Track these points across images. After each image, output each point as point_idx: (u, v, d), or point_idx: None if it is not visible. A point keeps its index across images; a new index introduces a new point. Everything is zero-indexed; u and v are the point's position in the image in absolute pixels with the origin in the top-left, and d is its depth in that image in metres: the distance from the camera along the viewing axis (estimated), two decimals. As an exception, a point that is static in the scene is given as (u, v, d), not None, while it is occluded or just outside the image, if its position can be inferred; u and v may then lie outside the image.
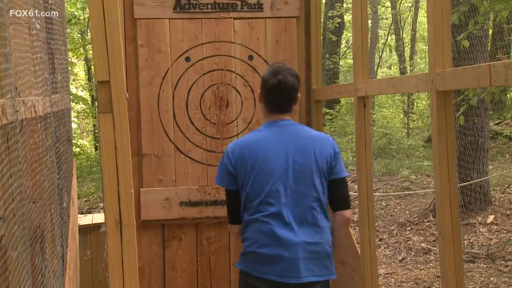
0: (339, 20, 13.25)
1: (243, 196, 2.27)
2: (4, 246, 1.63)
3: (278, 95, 2.29)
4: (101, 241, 4.35)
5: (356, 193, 3.01)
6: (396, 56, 19.90)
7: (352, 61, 3.50)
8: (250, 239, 2.24)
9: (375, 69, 16.73)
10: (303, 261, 2.18)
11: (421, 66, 18.55)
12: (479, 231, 6.13)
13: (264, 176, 2.21)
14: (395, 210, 7.57)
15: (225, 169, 2.29)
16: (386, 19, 20.54)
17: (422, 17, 17.96)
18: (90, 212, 7.74)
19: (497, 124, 11.51)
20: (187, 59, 3.09)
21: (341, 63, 15.59)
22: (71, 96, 7.18)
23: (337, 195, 2.31)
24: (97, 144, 14.61)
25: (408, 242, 6.16)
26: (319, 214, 2.24)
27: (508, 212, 6.59)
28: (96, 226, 4.38)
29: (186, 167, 3.09)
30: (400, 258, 5.71)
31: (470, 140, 6.44)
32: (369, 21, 14.77)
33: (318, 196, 2.24)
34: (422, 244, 6.03)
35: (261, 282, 2.19)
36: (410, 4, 18.34)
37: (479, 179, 6.38)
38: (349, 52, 16.24)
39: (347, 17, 15.22)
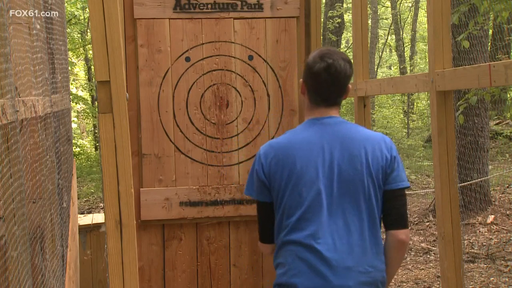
0: (339, 20, 13.25)
1: (278, 212, 1.88)
2: (4, 246, 1.63)
3: (326, 82, 1.88)
4: (101, 241, 4.35)
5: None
6: (396, 56, 19.90)
7: (352, 61, 3.50)
8: (284, 265, 1.85)
9: (375, 69, 16.73)
10: None
11: (421, 66, 18.55)
12: (479, 231, 6.13)
13: (304, 188, 1.81)
14: (395, 210, 7.54)
15: (256, 177, 1.92)
16: (386, 19, 20.54)
17: (422, 17, 17.95)
18: (90, 212, 7.74)
19: (497, 124, 11.51)
20: (187, 59, 3.09)
21: (341, 63, 15.54)
22: (71, 96, 7.18)
23: (392, 210, 1.86)
24: (97, 144, 14.61)
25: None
26: (370, 235, 1.82)
27: (508, 212, 6.59)
28: (96, 226, 4.38)
29: (186, 167, 3.09)
30: (400, 258, 5.69)
31: (470, 140, 6.44)
32: (369, 21, 14.76)
33: (369, 212, 1.83)
34: (422, 244, 6.04)
35: None
36: (410, 4, 18.34)
37: (479, 179, 6.38)
38: (349, 52, 16.24)
39: (347, 17, 15.22)
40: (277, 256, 1.91)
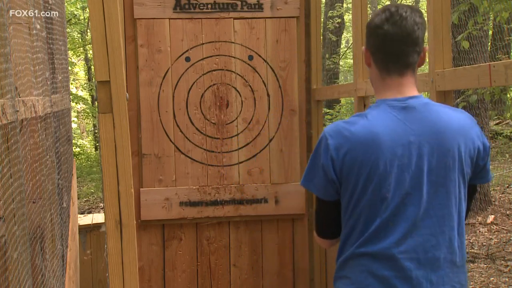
0: (339, 20, 13.25)
1: (351, 216, 1.54)
2: (4, 246, 1.63)
3: (391, 35, 1.49)
4: (101, 241, 4.35)
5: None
6: (396, 56, 19.86)
7: (352, 61, 3.50)
8: (353, 282, 1.53)
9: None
10: None
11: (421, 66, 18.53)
12: (479, 231, 6.14)
13: (387, 192, 1.47)
14: (395, 210, 7.55)
15: (322, 172, 1.54)
16: (386, 19, 20.47)
17: (422, 17, 17.93)
18: (90, 212, 7.74)
19: (497, 124, 11.51)
20: (187, 59, 3.09)
21: (341, 63, 15.59)
22: (71, 96, 7.18)
23: (467, 206, 1.60)
24: (97, 144, 14.62)
25: (408, 242, 6.15)
26: (460, 245, 1.53)
27: (508, 212, 6.60)
28: (96, 226, 4.38)
29: (186, 167, 3.09)
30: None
31: (470, 140, 6.43)
32: (369, 21, 14.71)
33: (459, 219, 1.52)
34: (422, 244, 6.02)
35: None
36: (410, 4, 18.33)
37: (479, 179, 6.38)
38: (349, 52, 16.24)
39: (347, 17, 15.22)
40: (343, 266, 1.57)
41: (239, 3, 3.11)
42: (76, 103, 13.57)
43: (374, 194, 1.48)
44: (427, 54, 1.59)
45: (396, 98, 1.53)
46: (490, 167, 1.69)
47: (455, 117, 1.55)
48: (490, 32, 8.39)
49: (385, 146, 1.47)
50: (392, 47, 1.52)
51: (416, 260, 1.47)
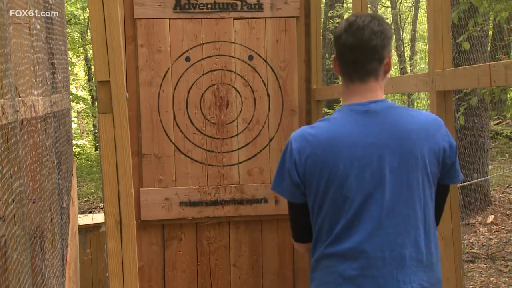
0: (339, 20, 13.25)
1: (317, 218, 1.56)
2: (4, 246, 1.63)
3: (348, 43, 1.54)
4: (101, 241, 4.35)
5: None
6: (396, 56, 19.90)
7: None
8: (323, 284, 1.55)
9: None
10: None
11: (421, 66, 18.55)
12: (479, 231, 6.14)
13: (347, 192, 1.49)
14: (395, 210, 7.55)
15: (288, 176, 1.57)
16: (386, 19, 20.53)
17: (422, 17, 17.96)
18: (90, 212, 7.74)
19: (497, 124, 11.52)
20: (187, 59, 3.09)
21: (341, 63, 15.56)
22: (71, 96, 7.18)
23: (438, 207, 1.63)
24: (97, 144, 14.62)
25: (408, 242, 6.15)
26: (427, 245, 1.54)
27: (508, 212, 6.60)
28: (96, 226, 4.39)
29: (186, 167, 3.09)
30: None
31: (470, 140, 6.44)
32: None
33: (426, 217, 1.54)
34: (422, 244, 6.02)
35: None
36: (410, 4, 18.35)
37: (479, 179, 6.39)
38: (349, 52, 16.21)
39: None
40: (315, 268, 1.59)
41: (239, 3, 3.11)
42: (76, 103, 13.58)
43: (336, 195, 1.50)
44: (391, 60, 1.62)
45: (358, 102, 1.57)
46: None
47: (419, 120, 1.56)
48: (490, 32, 8.39)
49: (345, 148, 1.50)
50: (350, 56, 1.56)
51: (382, 258, 1.48)
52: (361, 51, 1.54)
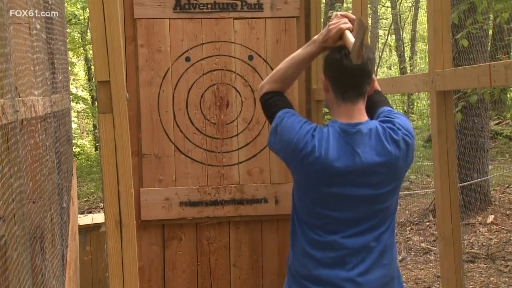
0: (339, 20, 13.21)
1: (303, 199, 1.88)
2: (4, 246, 1.63)
3: (349, 68, 1.76)
4: (101, 241, 4.35)
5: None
6: (396, 56, 19.91)
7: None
8: None
9: (375, 69, 16.72)
10: None
11: (421, 66, 18.55)
12: (479, 231, 6.14)
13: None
14: (395, 210, 7.55)
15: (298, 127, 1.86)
16: (386, 19, 20.54)
17: (422, 17, 17.96)
18: (90, 212, 7.74)
19: (497, 124, 11.52)
20: (187, 59, 3.09)
21: (341, 63, 15.54)
22: (71, 96, 7.19)
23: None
24: (97, 144, 14.62)
25: (408, 242, 6.16)
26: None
27: (508, 212, 6.60)
28: (96, 226, 4.39)
29: (186, 167, 3.09)
30: (400, 258, 5.71)
31: (470, 140, 6.44)
32: (369, 21, 14.76)
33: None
34: (422, 244, 6.04)
35: None
36: (410, 4, 18.35)
37: (479, 179, 6.39)
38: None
39: (347, 17, 15.20)
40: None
41: (239, 3, 3.11)
42: (76, 103, 13.58)
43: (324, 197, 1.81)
44: (376, 83, 1.93)
45: (348, 123, 1.80)
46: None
47: (391, 141, 1.80)
48: (490, 32, 8.39)
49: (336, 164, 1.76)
50: (350, 79, 1.79)
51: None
52: (360, 75, 1.79)
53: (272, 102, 2.04)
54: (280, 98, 2.06)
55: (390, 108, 1.95)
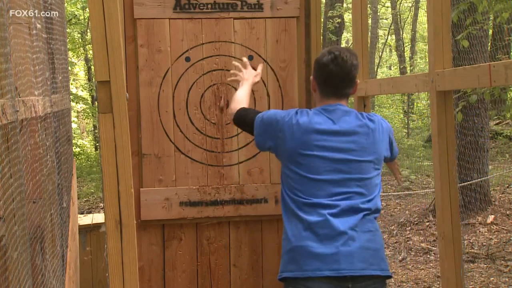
0: (339, 20, 13.25)
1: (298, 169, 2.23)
2: (4, 246, 1.63)
3: (334, 72, 2.06)
4: (101, 241, 4.35)
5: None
6: (396, 56, 19.90)
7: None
8: None
9: (375, 69, 16.74)
10: None
11: (421, 66, 18.55)
12: (479, 231, 6.14)
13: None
14: (395, 210, 7.57)
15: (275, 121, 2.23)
16: (386, 19, 20.54)
17: (422, 17, 17.96)
18: (90, 212, 7.74)
19: (497, 124, 11.52)
20: (187, 59, 3.09)
21: (341, 63, 15.53)
22: (71, 96, 7.19)
23: None
24: (97, 144, 14.62)
25: (408, 242, 6.16)
26: None
27: (508, 212, 6.60)
28: (96, 226, 4.39)
29: (186, 167, 3.09)
30: (400, 258, 5.71)
31: (470, 140, 6.44)
32: (369, 21, 14.75)
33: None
34: (422, 244, 6.04)
35: None
36: (410, 4, 18.34)
37: (479, 179, 6.39)
38: (349, 52, 16.18)
39: (347, 17, 15.22)
40: None
41: (239, 3, 3.11)
42: (76, 103, 13.58)
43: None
44: (358, 86, 2.20)
45: (328, 104, 2.14)
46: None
47: (367, 118, 2.16)
48: (490, 32, 8.38)
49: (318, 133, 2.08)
50: (334, 82, 2.09)
51: None
52: (343, 79, 2.07)
53: (244, 116, 2.37)
54: (246, 109, 2.39)
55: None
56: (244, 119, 2.35)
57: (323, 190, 2.07)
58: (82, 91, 16.33)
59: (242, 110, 2.38)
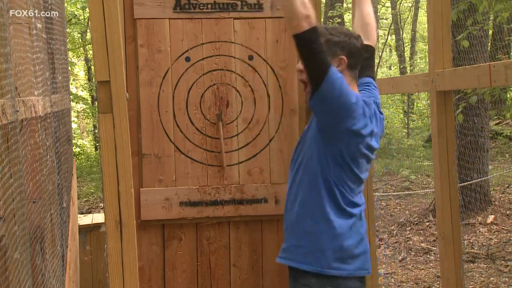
0: (339, 20, 13.25)
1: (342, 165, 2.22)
2: (4, 246, 1.63)
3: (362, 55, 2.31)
4: (101, 241, 4.35)
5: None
6: (396, 56, 19.90)
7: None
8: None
9: (375, 69, 16.70)
10: None
11: (421, 66, 18.55)
12: (479, 231, 6.14)
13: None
14: (395, 210, 7.57)
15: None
16: (386, 19, 20.54)
17: (422, 17, 17.96)
18: (90, 212, 7.74)
19: (497, 124, 11.52)
20: (187, 59, 3.09)
21: (341, 63, 15.53)
22: (71, 96, 7.19)
23: None
24: (97, 144, 14.62)
25: (408, 242, 6.16)
26: None
27: (508, 212, 6.60)
28: (96, 226, 4.39)
29: (186, 167, 3.09)
30: (400, 258, 5.71)
31: (470, 140, 6.44)
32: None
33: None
34: (422, 244, 6.04)
35: None
36: (410, 4, 18.34)
37: (479, 179, 6.39)
38: (349, 52, 16.17)
39: (347, 17, 15.21)
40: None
41: (239, 3, 3.11)
42: (76, 103, 13.58)
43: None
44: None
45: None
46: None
47: None
48: (490, 32, 8.38)
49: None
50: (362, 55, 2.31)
51: None
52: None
53: (319, 52, 2.11)
54: (323, 46, 2.13)
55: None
56: (313, 55, 2.10)
57: (359, 189, 2.23)
58: (82, 91, 16.33)
59: (311, 33, 2.04)
